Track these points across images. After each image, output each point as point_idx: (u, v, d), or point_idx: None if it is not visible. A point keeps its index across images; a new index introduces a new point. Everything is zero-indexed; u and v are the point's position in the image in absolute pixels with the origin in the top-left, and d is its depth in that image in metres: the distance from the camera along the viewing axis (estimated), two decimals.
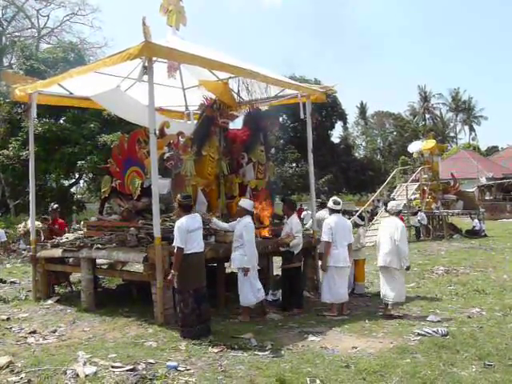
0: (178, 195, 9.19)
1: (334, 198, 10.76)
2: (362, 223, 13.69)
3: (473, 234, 28.07)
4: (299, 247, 10.58)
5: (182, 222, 8.50)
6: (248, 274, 9.50)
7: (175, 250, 8.44)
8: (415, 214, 27.73)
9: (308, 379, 6.41)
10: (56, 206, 14.58)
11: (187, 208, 8.82)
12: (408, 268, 9.93)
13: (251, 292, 9.63)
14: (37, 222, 12.98)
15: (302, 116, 12.67)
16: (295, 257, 10.57)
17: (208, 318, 8.68)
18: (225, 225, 10.28)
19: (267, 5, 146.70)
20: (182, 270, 8.43)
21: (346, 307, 10.29)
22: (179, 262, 8.39)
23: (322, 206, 14.68)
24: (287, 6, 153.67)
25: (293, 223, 10.53)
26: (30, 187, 12.61)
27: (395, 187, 32.63)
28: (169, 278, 8.61)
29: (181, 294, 8.51)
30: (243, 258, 9.53)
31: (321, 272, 10.57)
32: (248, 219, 9.75)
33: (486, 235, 27.78)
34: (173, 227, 9.13)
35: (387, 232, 9.89)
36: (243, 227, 9.65)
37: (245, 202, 10.08)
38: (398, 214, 10.32)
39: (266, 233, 11.67)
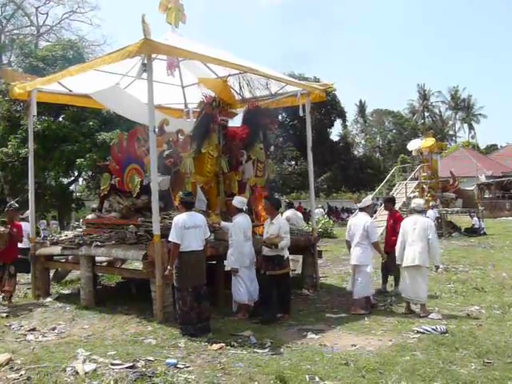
0: (180, 192, 9.22)
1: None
2: None
3: (472, 232, 28.08)
4: (287, 250, 9.79)
5: (179, 219, 8.55)
6: (235, 274, 9.59)
7: (171, 245, 8.50)
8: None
9: (307, 376, 6.42)
10: (16, 205, 12.25)
11: (188, 205, 8.86)
12: (438, 267, 9.85)
13: (245, 289, 9.66)
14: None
15: (301, 114, 12.67)
16: (286, 261, 9.75)
17: (208, 317, 8.68)
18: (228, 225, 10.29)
19: (266, 2, 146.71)
20: (180, 268, 8.47)
21: (369, 302, 10.37)
22: (175, 257, 8.44)
23: (289, 206, 16.00)
24: (286, 4, 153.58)
25: (280, 223, 9.72)
26: (29, 185, 12.60)
27: (394, 185, 32.64)
28: (165, 273, 8.64)
29: (179, 291, 8.52)
30: (231, 257, 9.60)
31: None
32: (239, 217, 9.74)
33: (485, 233, 27.81)
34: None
35: (417, 231, 9.73)
36: (231, 226, 9.78)
37: (235, 200, 10.07)
38: (422, 212, 10.14)
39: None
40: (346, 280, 13.40)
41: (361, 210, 10.71)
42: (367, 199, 11.07)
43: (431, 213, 26.77)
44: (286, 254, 9.69)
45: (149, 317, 9.35)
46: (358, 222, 10.37)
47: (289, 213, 15.13)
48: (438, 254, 9.66)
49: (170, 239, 8.49)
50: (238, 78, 12.45)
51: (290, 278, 10.18)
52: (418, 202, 10.45)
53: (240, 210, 9.81)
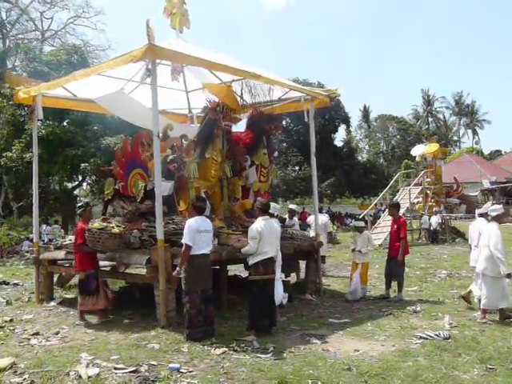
0: (195, 197, 9.29)
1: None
2: (363, 225, 13.11)
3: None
4: (256, 258, 8.79)
5: (193, 221, 8.60)
6: None
7: (183, 248, 8.49)
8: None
9: (310, 382, 6.42)
10: (92, 203, 11.26)
11: (200, 210, 8.93)
12: (509, 275, 9.28)
13: None
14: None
15: (306, 119, 12.68)
16: (251, 268, 8.92)
17: (212, 321, 8.71)
18: None
19: (269, 8, 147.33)
20: (190, 271, 8.48)
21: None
22: (185, 259, 8.44)
23: (319, 211, 16.06)
24: (289, 10, 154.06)
25: (252, 227, 8.96)
26: (33, 189, 12.64)
27: (398, 191, 32.62)
28: (174, 273, 8.65)
29: (188, 294, 8.49)
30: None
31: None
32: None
33: None
34: (176, 230, 9.18)
35: (484, 238, 9.78)
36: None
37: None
38: (495, 218, 9.82)
39: None
40: (348, 285, 13.41)
41: (480, 215, 10.88)
42: (486, 206, 11.34)
43: (434, 218, 26.78)
44: (253, 260, 8.84)
45: (152, 321, 9.37)
46: (475, 226, 10.71)
47: (311, 218, 15.70)
48: (498, 262, 9.32)
49: (183, 241, 8.49)
50: (241, 83, 12.47)
51: (257, 289, 8.83)
52: (490, 207, 10.27)
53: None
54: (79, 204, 10.59)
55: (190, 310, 8.46)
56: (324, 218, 15.20)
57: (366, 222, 14.56)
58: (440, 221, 27.24)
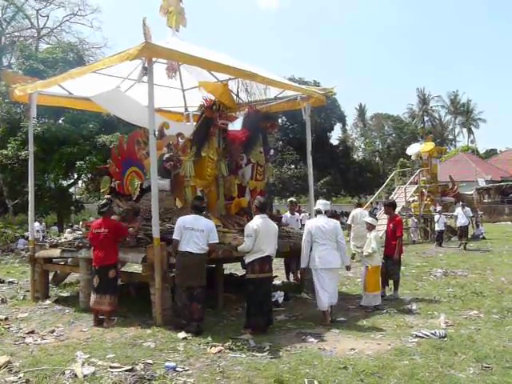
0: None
1: None
2: (376, 223, 11.63)
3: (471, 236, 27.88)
4: (252, 256, 8.82)
5: (180, 219, 9.00)
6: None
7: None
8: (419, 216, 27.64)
9: (306, 380, 6.41)
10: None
11: (196, 208, 9.18)
12: None
13: (322, 294, 9.58)
14: None
15: (304, 117, 12.68)
16: (248, 266, 8.96)
17: (198, 319, 8.81)
18: None
19: (264, 7, 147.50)
20: (177, 267, 8.92)
21: None
22: (174, 250, 9.00)
23: (357, 205, 18.55)
24: (283, 9, 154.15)
25: (248, 225, 9.03)
26: (28, 187, 12.60)
27: (394, 189, 32.62)
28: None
29: (176, 289, 8.95)
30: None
31: None
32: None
33: (484, 238, 27.74)
34: (172, 228, 9.19)
35: None
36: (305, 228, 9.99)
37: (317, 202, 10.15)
38: None
39: None
40: (344, 284, 13.43)
41: None
42: None
43: (441, 219, 25.29)
44: (249, 259, 8.86)
45: (148, 320, 9.36)
46: None
47: (354, 211, 17.53)
48: None
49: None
50: (238, 81, 12.45)
51: (253, 287, 8.86)
52: None
53: (319, 212, 9.77)
54: (103, 202, 9.77)
55: (177, 302, 9.01)
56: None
57: (377, 219, 13.23)
58: (446, 221, 25.99)
